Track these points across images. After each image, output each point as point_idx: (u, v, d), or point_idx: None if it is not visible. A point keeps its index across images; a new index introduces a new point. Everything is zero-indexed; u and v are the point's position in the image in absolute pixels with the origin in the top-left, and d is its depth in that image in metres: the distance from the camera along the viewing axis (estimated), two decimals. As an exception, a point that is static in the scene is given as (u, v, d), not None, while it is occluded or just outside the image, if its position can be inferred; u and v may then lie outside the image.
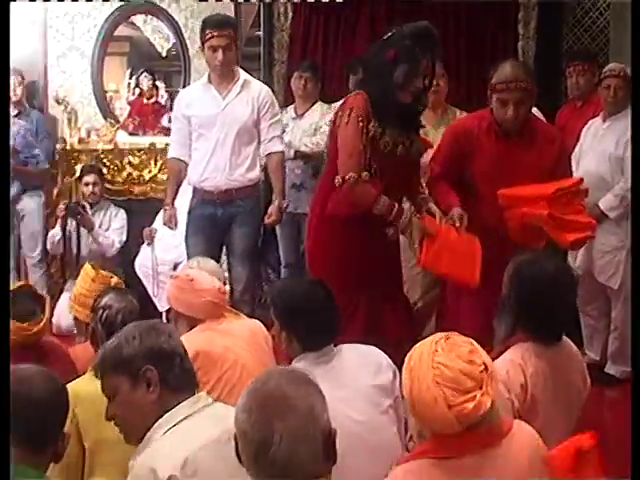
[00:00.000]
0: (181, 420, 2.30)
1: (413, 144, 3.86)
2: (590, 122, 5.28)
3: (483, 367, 2.21)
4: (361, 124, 3.68)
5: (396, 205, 3.70)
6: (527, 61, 6.50)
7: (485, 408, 2.17)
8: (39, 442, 2.18)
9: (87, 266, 4.11)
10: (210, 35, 4.75)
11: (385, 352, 3.04)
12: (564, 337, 3.08)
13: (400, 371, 2.39)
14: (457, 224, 3.79)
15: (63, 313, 5.66)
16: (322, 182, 4.07)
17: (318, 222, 3.98)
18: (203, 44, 4.83)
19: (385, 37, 3.81)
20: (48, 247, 6.30)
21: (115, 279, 4.00)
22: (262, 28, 6.88)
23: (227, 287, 3.84)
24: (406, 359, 2.27)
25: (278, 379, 1.95)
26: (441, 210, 3.93)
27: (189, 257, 4.79)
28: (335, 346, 2.99)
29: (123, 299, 3.34)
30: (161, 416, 2.30)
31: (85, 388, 2.84)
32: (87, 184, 6.23)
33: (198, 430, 2.29)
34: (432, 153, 4.25)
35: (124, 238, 6.32)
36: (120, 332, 2.41)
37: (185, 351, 2.42)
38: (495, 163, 3.97)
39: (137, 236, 6.20)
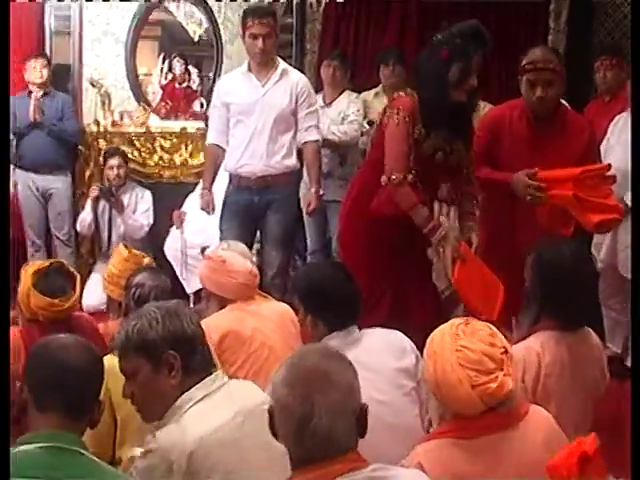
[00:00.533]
0: (198, 400, 2.34)
1: (454, 152, 3.90)
2: (617, 117, 5.30)
3: (503, 349, 2.33)
4: (408, 125, 3.74)
5: (434, 219, 3.78)
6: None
7: (508, 388, 2.29)
8: (77, 409, 2.20)
9: (120, 246, 4.23)
10: (251, 23, 4.84)
11: (411, 338, 3.12)
12: (587, 328, 3.17)
13: (422, 356, 2.48)
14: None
15: (91, 294, 5.77)
16: (361, 174, 4.16)
17: (352, 211, 4.07)
18: (244, 32, 4.91)
19: (435, 39, 3.88)
20: (78, 228, 6.40)
21: (147, 259, 4.10)
22: (294, 17, 6.94)
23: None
24: (427, 343, 2.37)
25: (316, 355, 2.02)
26: (495, 184, 4.04)
27: (222, 241, 4.83)
28: (360, 330, 3.08)
29: (156, 278, 3.43)
30: (179, 396, 2.34)
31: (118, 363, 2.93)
32: (111, 167, 6.30)
33: (214, 411, 2.34)
34: None
35: (151, 220, 6.41)
36: (140, 312, 2.43)
37: (203, 332, 2.46)
38: (525, 148, 4.03)
39: (167, 219, 6.29)
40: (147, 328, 2.35)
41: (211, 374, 2.41)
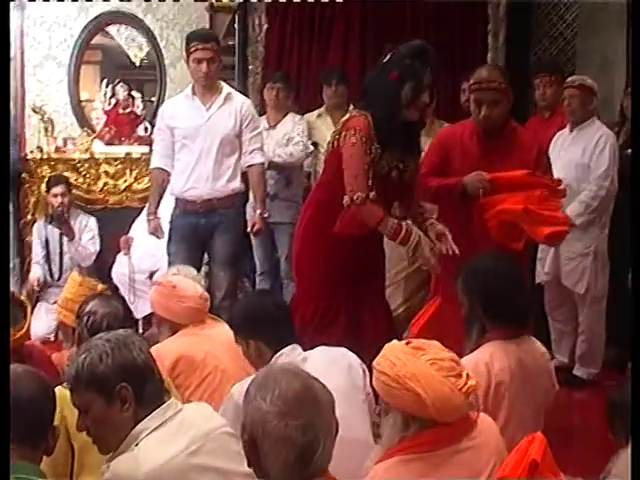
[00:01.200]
0: (152, 430, 2.33)
1: (407, 168, 3.93)
2: (558, 134, 5.41)
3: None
4: (365, 145, 3.77)
5: (404, 226, 3.76)
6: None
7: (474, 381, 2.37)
8: (31, 438, 2.21)
9: (74, 272, 4.23)
10: (195, 48, 4.88)
11: (363, 356, 3.14)
12: (531, 337, 3.27)
13: (370, 371, 2.52)
14: (444, 249, 3.83)
15: (39, 323, 5.75)
16: (315, 195, 4.16)
17: (307, 232, 4.07)
18: (188, 56, 4.95)
19: (384, 60, 3.91)
20: (34, 260, 6.36)
21: (101, 286, 4.09)
22: (237, 39, 6.96)
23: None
24: (388, 372, 2.35)
25: (295, 378, 2.03)
26: (442, 192, 4.15)
27: (170, 265, 4.83)
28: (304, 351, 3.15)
29: (108, 305, 3.40)
30: (133, 427, 2.33)
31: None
32: (55, 195, 6.23)
33: (167, 441, 2.32)
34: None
35: (98, 247, 6.37)
36: (89, 345, 2.38)
37: (154, 360, 2.45)
38: (475, 165, 4.10)
39: (113, 245, 6.26)
40: (97, 362, 2.32)
41: (164, 402, 2.40)
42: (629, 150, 5.22)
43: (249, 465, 2.00)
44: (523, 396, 3.08)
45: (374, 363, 2.40)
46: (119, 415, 2.33)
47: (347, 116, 3.98)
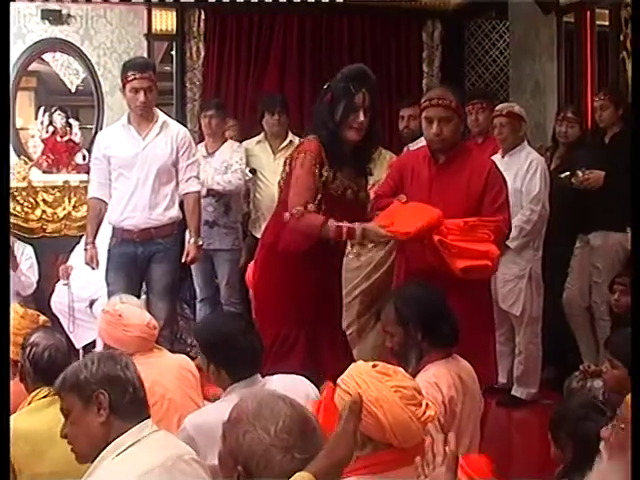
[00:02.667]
0: (129, 446, 2.38)
1: (360, 190, 4.00)
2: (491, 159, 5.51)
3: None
4: (315, 168, 3.81)
5: (344, 224, 3.75)
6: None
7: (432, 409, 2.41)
8: None
9: (16, 304, 4.17)
10: (132, 77, 4.90)
11: (321, 383, 3.23)
12: (458, 356, 3.37)
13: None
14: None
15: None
16: (272, 221, 4.17)
17: (266, 258, 4.09)
18: (124, 85, 4.96)
19: (325, 85, 3.99)
20: None
21: (43, 317, 4.05)
22: (174, 66, 7.01)
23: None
24: (354, 393, 2.33)
25: (292, 408, 2.03)
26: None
27: (109, 294, 4.86)
28: (263, 377, 3.17)
29: (50, 337, 3.38)
30: (109, 442, 2.39)
31: (18, 425, 2.90)
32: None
33: (144, 455, 2.38)
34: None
35: (37, 276, 6.32)
36: (83, 357, 2.52)
37: (142, 382, 2.52)
38: (425, 191, 4.06)
39: (52, 274, 6.21)
40: (82, 368, 2.47)
41: (143, 420, 2.46)
42: (566, 173, 5.36)
43: None
44: (466, 410, 3.21)
45: (339, 381, 2.42)
46: (93, 419, 2.41)
47: (301, 140, 4.05)
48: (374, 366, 2.44)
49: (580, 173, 5.26)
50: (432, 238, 3.79)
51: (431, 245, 3.81)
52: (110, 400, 2.42)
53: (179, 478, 2.37)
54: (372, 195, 4.27)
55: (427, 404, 2.41)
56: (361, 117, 3.84)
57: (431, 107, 4.03)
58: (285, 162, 4.04)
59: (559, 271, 5.54)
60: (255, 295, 4.20)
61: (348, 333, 4.65)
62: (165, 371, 3.62)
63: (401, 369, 2.48)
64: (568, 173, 5.37)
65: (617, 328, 4.97)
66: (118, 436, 2.40)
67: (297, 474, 1.80)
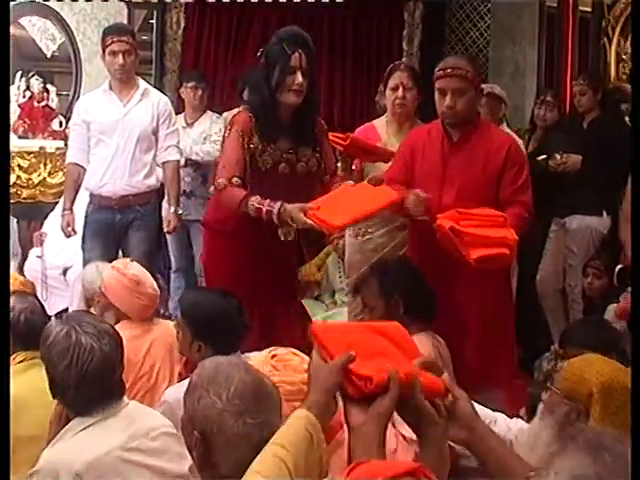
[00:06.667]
0: (90, 425, 2.38)
1: (302, 159, 3.80)
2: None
3: None
4: (241, 139, 3.67)
5: (266, 203, 3.51)
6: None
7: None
8: None
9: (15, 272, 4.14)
10: (110, 41, 4.88)
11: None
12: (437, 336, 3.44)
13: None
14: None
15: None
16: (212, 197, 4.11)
17: (207, 234, 4.05)
18: (104, 50, 4.94)
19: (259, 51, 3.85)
20: None
21: (18, 281, 4.03)
22: (154, 36, 6.96)
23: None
24: None
25: (247, 373, 2.01)
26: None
27: (85, 261, 4.85)
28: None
29: (25, 300, 3.38)
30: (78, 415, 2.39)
31: None
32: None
33: (106, 434, 2.37)
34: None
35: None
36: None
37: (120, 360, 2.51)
38: (439, 168, 3.81)
39: (26, 240, 6.16)
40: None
41: (113, 401, 2.44)
42: (543, 156, 5.40)
43: (197, 460, 1.98)
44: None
45: None
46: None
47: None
48: (273, 357, 2.46)
49: (557, 156, 5.31)
50: (442, 226, 3.50)
51: (443, 233, 3.52)
52: None
53: (143, 457, 2.37)
54: (385, 179, 3.89)
55: None
56: (299, 78, 3.64)
57: (445, 77, 3.70)
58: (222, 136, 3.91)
59: (534, 253, 5.59)
60: (205, 272, 4.14)
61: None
62: (159, 342, 3.61)
63: (296, 361, 2.46)
64: (545, 156, 5.42)
65: (589, 311, 5.05)
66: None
67: (296, 411, 1.79)
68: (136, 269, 3.75)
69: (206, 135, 6.04)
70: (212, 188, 3.72)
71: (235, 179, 3.60)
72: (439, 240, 3.57)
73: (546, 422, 2.27)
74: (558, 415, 2.28)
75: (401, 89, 4.40)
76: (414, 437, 2.89)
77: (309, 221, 3.36)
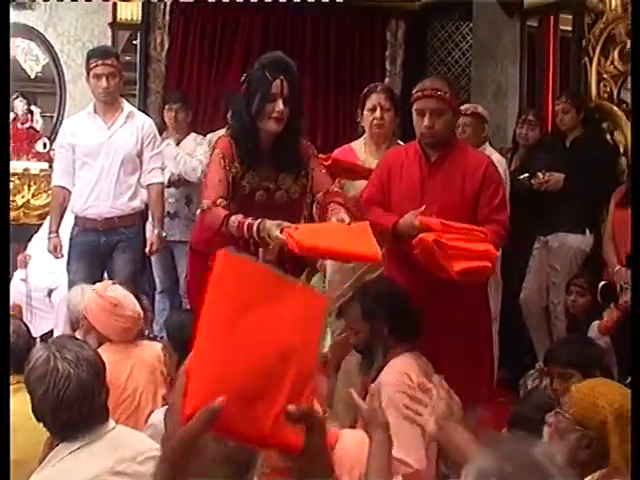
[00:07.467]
0: (75, 449, 2.36)
1: (282, 187, 3.73)
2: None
3: None
4: (223, 162, 3.61)
5: (247, 220, 3.43)
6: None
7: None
8: None
9: None
10: (95, 64, 4.91)
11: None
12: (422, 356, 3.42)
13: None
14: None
15: None
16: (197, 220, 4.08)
17: (191, 256, 4.04)
18: (88, 73, 4.96)
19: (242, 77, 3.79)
20: None
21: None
22: (138, 57, 6.99)
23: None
24: None
25: None
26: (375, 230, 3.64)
27: (70, 283, 4.85)
28: None
29: (11, 324, 3.38)
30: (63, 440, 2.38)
31: None
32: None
33: (91, 460, 2.35)
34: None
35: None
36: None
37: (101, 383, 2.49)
38: (417, 188, 3.83)
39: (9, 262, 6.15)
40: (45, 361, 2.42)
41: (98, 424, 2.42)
42: (526, 174, 5.44)
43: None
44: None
45: None
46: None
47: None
48: None
49: (540, 175, 5.34)
50: (425, 239, 3.53)
51: (424, 246, 3.55)
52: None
53: None
54: (362, 199, 4.02)
55: None
56: (280, 106, 3.57)
57: (423, 98, 3.76)
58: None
59: (517, 271, 5.62)
60: (187, 297, 4.13)
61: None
62: (142, 364, 3.60)
63: None
64: (528, 175, 5.45)
65: (573, 328, 5.08)
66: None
67: None
68: (116, 291, 3.73)
69: (190, 156, 6.01)
70: (198, 211, 3.67)
71: (220, 200, 3.55)
72: (418, 256, 3.59)
73: (556, 448, 2.29)
74: (570, 441, 2.30)
75: (379, 110, 4.44)
76: (401, 457, 2.94)
77: (282, 237, 3.29)
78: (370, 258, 3.37)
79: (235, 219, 3.44)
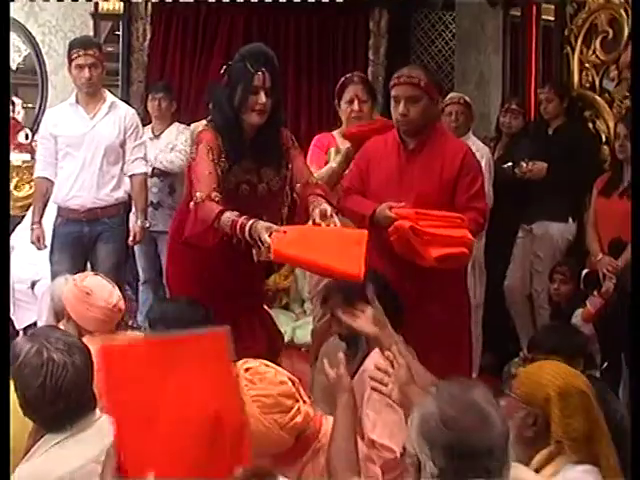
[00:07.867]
0: (62, 440, 2.36)
1: (264, 180, 3.70)
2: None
3: (291, 382, 2.51)
4: (211, 154, 3.56)
5: (240, 218, 3.35)
6: (376, 86, 6.73)
7: (311, 414, 2.50)
8: None
9: None
10: (76, 54, 4.89)
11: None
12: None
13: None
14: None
15: None
16: (179, 207, 4.06)
17: (173, 245, 3.95)
18: (70, 63, 4.95)
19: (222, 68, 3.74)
20: None
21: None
22: (121, 46, 6.96)
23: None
24: None
25: None
26: (354, 217, 3.82)
27: (53, 274, 4.84)
28: None
29: None
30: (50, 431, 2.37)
31: None
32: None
33: (78, 449, 2.35)
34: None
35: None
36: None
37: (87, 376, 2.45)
38: (394, 178, 3.82)
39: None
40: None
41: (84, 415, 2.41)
42: (509, 163, 5.46)
43: None
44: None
45: None
46: None
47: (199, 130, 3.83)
48: (247, 370, 2.48)
49: (523, 164, 5.35)
50: (402, 226, 3.54)
51: (401, 233, 3.56)
52: None
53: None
54: (342, 187, 4.03)
55: (299, 408, 2.46)
56: (262, 98, 3.55)
57: (399, 85, 3.77)
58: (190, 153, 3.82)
59: (501, 259, 5.64)
60: (167, 280, 4.08)
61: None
62: None
63: (271, 373, 2.50)
64: (511, 163, 5.46)
65: (556, 316, 5.10)
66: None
67: None
68: (91, 281, 3.66)
69: (172, 145, 5.98)
70: (192, 203, 3.54)
71: (215, 194, 3.47)
72: (395, 243, 3.59)
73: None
74: (516, 419, 2.34)
75: (356, 102, 4.47)
76: (385, 442, 2.95)
77: (268, 241, 3.22)
78: (349, 276, 3.19)
79: (229, 217, 3.37)
